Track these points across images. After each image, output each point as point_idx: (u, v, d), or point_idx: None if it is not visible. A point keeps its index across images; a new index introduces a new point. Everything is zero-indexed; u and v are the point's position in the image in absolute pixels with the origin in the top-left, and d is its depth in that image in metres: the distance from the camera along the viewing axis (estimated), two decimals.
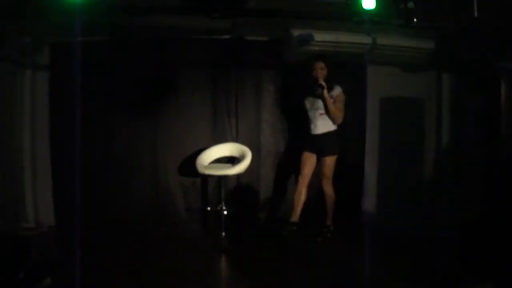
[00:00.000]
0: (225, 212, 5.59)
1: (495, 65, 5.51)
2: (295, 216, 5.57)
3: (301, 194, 5.62)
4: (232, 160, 5.89)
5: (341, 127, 5.68)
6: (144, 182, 6.23)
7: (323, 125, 5.54)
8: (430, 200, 6.17)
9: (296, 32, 5.62)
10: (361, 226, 6.27)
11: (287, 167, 6.30)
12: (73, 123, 5.86)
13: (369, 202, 6.39)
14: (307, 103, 5.63)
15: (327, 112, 5.47)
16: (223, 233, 5.54)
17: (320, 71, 5.47)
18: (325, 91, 5.38)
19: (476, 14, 4.75)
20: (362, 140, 6.43)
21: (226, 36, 5.96)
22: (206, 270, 4.74)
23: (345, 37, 5.62)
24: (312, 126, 5.57)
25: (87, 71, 5.80)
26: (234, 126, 6.29)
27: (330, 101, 5.42)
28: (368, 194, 6.39)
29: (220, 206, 5.58)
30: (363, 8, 4.62)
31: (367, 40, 5.63)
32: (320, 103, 5.50)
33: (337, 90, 5.50)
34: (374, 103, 6.40)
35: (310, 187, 5.73)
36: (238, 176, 6.09)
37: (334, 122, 5.54)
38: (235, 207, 6.04)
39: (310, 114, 5.59)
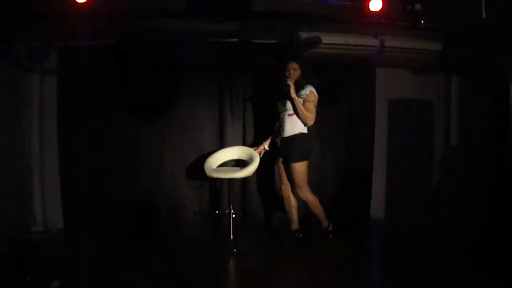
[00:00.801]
0: (233, 216, 5.63)
1: (503, 66, 5.59)
2: (294, 224, 5.60)
3: (290, 201, 5.56)
4: (240, 164, 5.98)
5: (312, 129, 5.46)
6: (152, 185, 6.32)
7: (291, 126, 5.34)
8: (438, 202, 6.23)
9: (303, 35, 5.65)
10: (369, 229, 6.35)
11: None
12: (81, 126, 6.04)
13: (377, 205, 6.45)
14: (279, 105, 5.50)
15: (296, 112, 5.28)
16: (232, 237, 5.58)
17: (293, 71, 5.33)
18: (292, 91, 5.19)
19: (484, 15, 4.80)
20: (371, 142, 6.49)
21: (233, 39, 6.02)
22: (214, 274, 4.79)
23: (353, 40, 5.65)
24: (281, 129, 5.42)
25: (94, 75, 5.99)
26: (242, 129, 6.37)
27: (297, 101, 5.21)
28: (377, 197, 6.45)
29: (228, 209, 5.54)
30: (370, 10, 4.70)
31: (374, 42, 5.67)
32: (289, 104, 5.33)
33: (307, 90, 5.31)
34: (382, 105, 6.47)
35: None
36: (246, 180, 6.17)
37: (304, 123, 5.30)
38: (243, 210, 6.17)
39: (280, 115, 5.45)
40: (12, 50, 5.40)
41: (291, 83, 5.22)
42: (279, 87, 5.32)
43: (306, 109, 5.24)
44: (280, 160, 5.50)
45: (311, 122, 5.29)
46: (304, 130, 5.33)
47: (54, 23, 5.07)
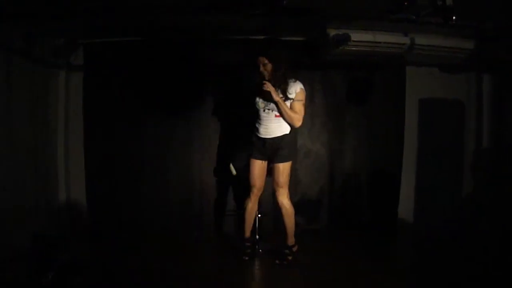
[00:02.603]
0: (259, 216, 5.69)
1: None
2: (248, 232, 5.39)
3: (253, 211, 5.33)
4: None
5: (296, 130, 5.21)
6: (178, 184, 6.47)
7: (278, 127, 5.04)
8: (470, 203, 6.29)
9: (332, 32, 5.69)
10: (397, 231, 6.44)
11: None
12: (106, 124, 6.19)
13: (407, 207, 6.49)
14: (260, 102, 5.08)
15: (281, 115, 4.97)
16: (257, 237, 5.70)
17: (263, 66, 4.98)
18: (274, 94, 4.88)
19: None
20: (400, 142, 6.55)
21: (261, 37, 6.12)
22: (240, 274, 4.89)
23: (382, 37, 5.65)
24: (263, 129, 5.07)
25: (120, 71, 6.16)
26: None
27: (282, 104, 4.90)
28: (406, 199, 6.49)
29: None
30: (400, 6, 4.70)
31: (405, 40, 5.70)
32: (272, 105, 5.01)
33: (297, 87, 5.00)
34: (413, 104, 6.53)
35: None
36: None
37: (291, 126, 5.03)
38: (271, 210, 6.22)
39: (263, 115, 5.06)
40: (37, 47, 5.58)
41: (269, 87, 4.90)
42: (257, 86, 5.05)
43: (294, 110, 4.97)
44: (255, 162, 5.21)
45: (298, 123, 5.03)
46: (289, 130, 5.06)
47: (79, 19, 5.23)
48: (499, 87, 6.23)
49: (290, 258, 5.16)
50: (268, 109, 5.02)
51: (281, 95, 4.93)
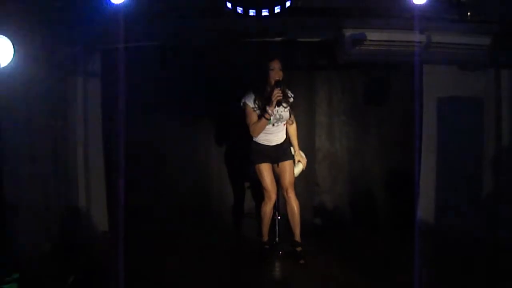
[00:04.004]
0: (279, 218, 5.77)
1: None
2: (266, 235, 5.59)
3: (271, 214, 5.47)
4: None
5: None
6: (197, 186, 6.64)
7: (284, 133, 5.39)
8: (490, 202, 6.32)
9: (348, 32, 5.77)
10: (416, 230, 6.50)
11: None
12: (125, 128, 6.29)
13: (426, 206, 6.51)
14: (271, 118, 5.14)
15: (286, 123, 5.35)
16: (277, 239, 5.78)
17: (278, 72, 5.10)
18: (288, 110, 5.24)
19: None
20: (419, 142, 6.47)
21: (278, 39, 6.22)
22: (259, 277, 5.01)
23: (398, 36, 5.72)
24: (273, 137, 5.33)
25: (138, 76, 6.25)
26: None
27: (292, 127, 5.49)
28: (425, 198, 6.51)
29: (275, 211, 5.66)
30: (415, 3, 4.78)
31: (421, 38, 5.74)
32: (286, 114, 5.24)
33: (292, 98, 5.34)
34: (431, 103, 6.57)
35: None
36: None
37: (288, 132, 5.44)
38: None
39: (273, 128, 5.30)
40: (56, 53, 5.71)
41: (280, 95, 5.04)
42: (268, 94, 5.12)
43: (293, 127, 5.50)
44: (264, 166, 5.37)
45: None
46: None
47: (97, 26, 5.39)
48: None
49: (302, 250, 5.35)
50: (277, 119, 5.21)
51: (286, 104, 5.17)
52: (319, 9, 5.27)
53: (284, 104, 5.15)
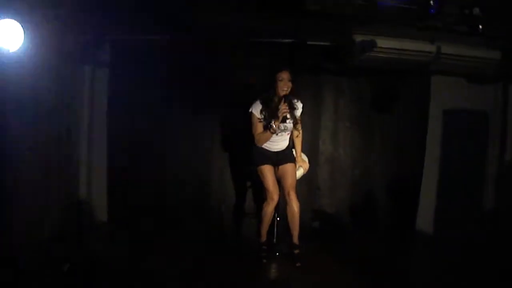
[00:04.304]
0: (278, 219, 5.77)
1: None
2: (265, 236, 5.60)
3: (271, 216, 5.50)
4: None
5: None
6: (199, 184, 6.67)
7: (285, 143, 5.47)
8: (492, 216, 6.34)
9: (358, 38, 5.77)
10: (416, 240, 6.52)
11: None
12: (130, 121, 6.33)
13: (426, 217, 6.58)
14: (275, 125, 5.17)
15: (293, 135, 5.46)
16: (275, 240, 5.79)
17: (287, 83, 5.14)
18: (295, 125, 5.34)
19: None
20: (422, 152, 6.61)
21: (288, 40, 6.19)
22: (256, 278, 5.03)
23: (408, 45, 5.72)
24: (275, 145, 5.42)
25: (146, 69, 6.28)
26: None
27: (299, 135, 5.54)
28: (425, 209, 6.57)
29: (274, 213, 5.64)
30: (427, 14, 4.80)
31: (431, 48, 5.76)
32: (290, 125, 5.30)
33: (299, 106, 5.38)
34: (437, 114, 6.59)
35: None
36: None
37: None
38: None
39: (277, 138, 5.36)
40: (64, 43, 5.68)
41: (287, 110, 5.10)
42: (275, 105, 5.20)
43: (298, 127, 5.48)
44: (267, 167, 5.42)
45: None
46: None
47: (107, 16, 5.38)
48: None
49: (300, 252, 5.36)
50: (282, 133, 5.32)
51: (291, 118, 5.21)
52: (330, 13, 5.19)
53: (289, 120, 5.17)
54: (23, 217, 4.80)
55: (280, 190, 5.42)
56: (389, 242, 6.20)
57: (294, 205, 5.32)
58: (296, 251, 5.38)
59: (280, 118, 5.04)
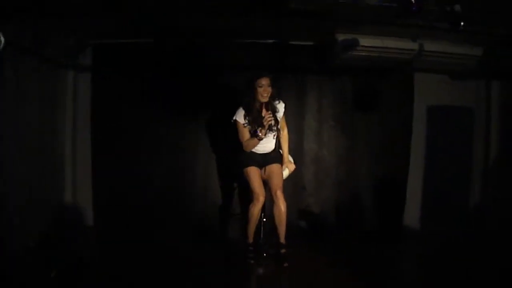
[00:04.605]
0: (264, 220, 5.72)
1: None
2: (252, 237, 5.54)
3: (258, 217, 5.43)
4: None
5: None
6: (184, 185, 6.64)
7: (271, 145, 5.41)
8: (478, 211, 6.39)
9: (341, 37, 5.78)
10: (402, 238, 6.54)
11: None
12: (114, 124, 6.33)
13: (413, 214, 6.63)
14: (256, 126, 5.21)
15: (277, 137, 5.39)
16: (261, 241, 5.72)
17: (267, 89, 5.12)
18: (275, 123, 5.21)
19: None
20: (407, 149, 6.66)
21: (270, 40, 6.27)
22: (243, 277, 5.05)
23: (391, 43, 5.76)
24: (261, 147, 5.38)
25: (128, 72, 6.33)
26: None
27: (284, 135, 5.50)
28: (412, 205, 6.63)
29: (261, 214, 5.57)
30: (409, 12, 4.74)
31: (413, 45, 5.79)
32: (274, 128, 5.28)
33: (281, 107, 5.35)
34: (420, 111, 6.64)
35: None
36: None
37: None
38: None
39: (264, 139, 5.28)
40: (46, 46, 5.70)
41: (271, 118, 5.10)
42: (257, 112, 5.21)
43: (282, 128, 5.48)
44: (253, 169, 5.40)
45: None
46: None
47: (89, 20, 5.36)
48: (508, 94, 6.31)
49: (286, 252, 5.32)
50: (268, 135, 5.27)
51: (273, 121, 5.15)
52: (312, 12, 5.17)
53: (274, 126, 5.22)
54: (8, 222, 4.79)
55: (266, 191, 5.38)
56: (376, 241, 6.20)
57: (281, 205, 5.29)
58: (283, 251, 5.35)
59: (266, 127, 5.09)
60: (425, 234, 6.48)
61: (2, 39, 4.20)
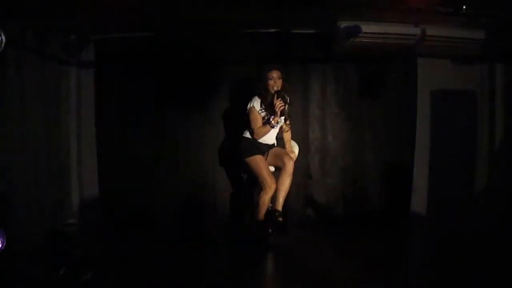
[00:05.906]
0: (271, 205, 5.63)
1: None
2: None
3: (268, 204, 5.55)
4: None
5: None
6: (191, 180, 6.65)
7: (274, 139, 5.75)
8: (483, 196, 6.39)
9: (343, 24, 5.78)
10: (409, 226, 6.55)
11: None
12: (118, 120, 6.37)
13: (419, 201, 6.62)
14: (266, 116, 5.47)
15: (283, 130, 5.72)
16: (270, 230, 5.83)
17: (277, 81, 5.44)
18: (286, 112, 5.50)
19: None
20: (412, 135, 6.66)
21: (272, 30, 6.27)
22: (251, 268, 4.98)
23: (393, 28, 5.73)
24: (268, 138, 5.64)
25: (131, 68, 6.34)
26: None
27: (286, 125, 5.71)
28: (418, 192, 6.62)
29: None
30: None
31: (416, 31, 5.77)
32: (281, 119, 5.54)
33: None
34: (424, 96, 6.64)
35: None
36: None
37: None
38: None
39: (275, 130, 5.60)
40: (48, 43, 5.71)
41: (283, 105, 5.35)
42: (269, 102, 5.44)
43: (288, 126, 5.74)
44: (259, 157, 5.57)
45: None
46: None
47: (91, 15, 5.34)
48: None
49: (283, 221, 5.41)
50: (279, 123, 5.54)
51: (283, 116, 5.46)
52: (314, 0, 5.20)
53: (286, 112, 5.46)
54: (13, 221, 4.77)
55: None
56: (382, 228, 6.27)
57: (291, 167, 5.38)
58: (280, 219, 5.41)
59: (279, 113, 5.29)
60: (431, 220, 6.50)
61: (3, 38, 4.18)
